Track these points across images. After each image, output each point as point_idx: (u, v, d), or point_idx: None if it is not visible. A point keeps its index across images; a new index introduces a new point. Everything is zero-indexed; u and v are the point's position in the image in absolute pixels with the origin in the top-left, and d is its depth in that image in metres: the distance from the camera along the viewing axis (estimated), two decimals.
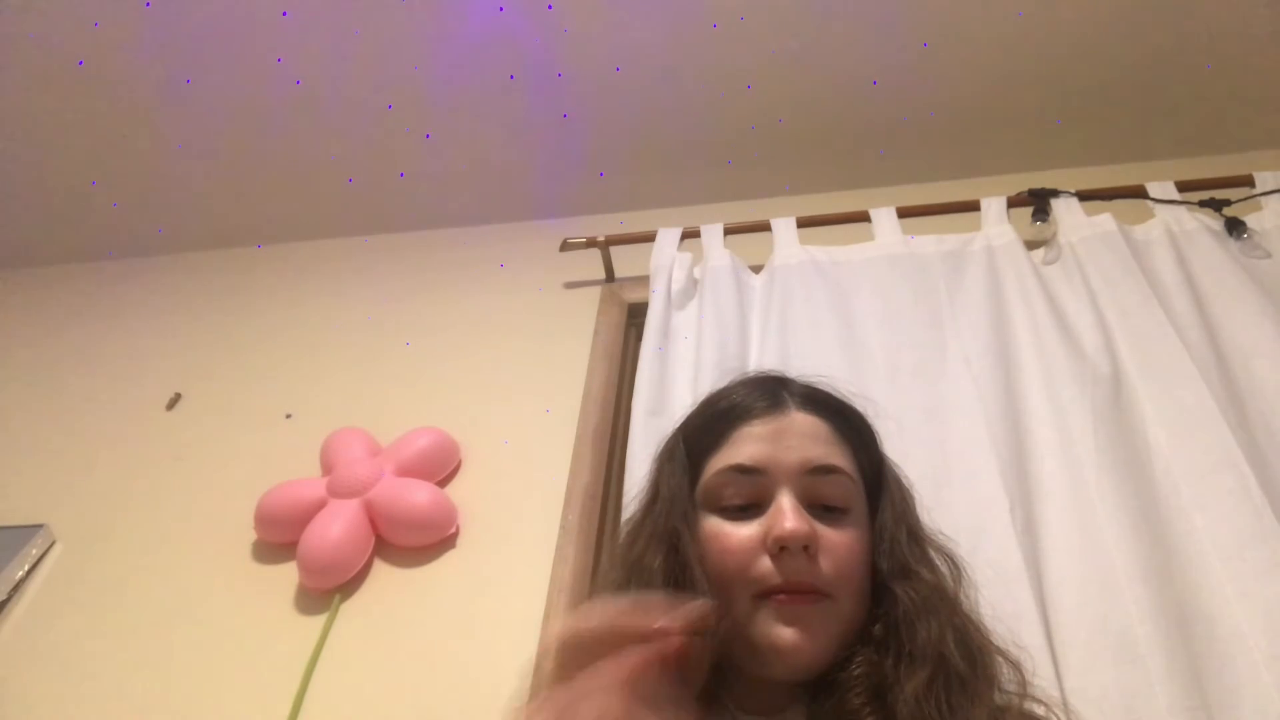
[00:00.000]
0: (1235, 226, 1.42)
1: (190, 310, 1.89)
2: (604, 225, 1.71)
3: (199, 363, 1.75)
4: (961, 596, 0.76)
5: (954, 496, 1.12)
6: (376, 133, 1.82)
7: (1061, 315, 1.32)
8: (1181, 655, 0.95)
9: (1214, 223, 1.44)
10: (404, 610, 1.25)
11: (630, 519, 0.84)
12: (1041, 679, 0.92)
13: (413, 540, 1.31)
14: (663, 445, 0.86)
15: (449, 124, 1.80)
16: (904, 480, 0.84)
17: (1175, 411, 1.13)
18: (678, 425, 0.86)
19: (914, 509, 0.83)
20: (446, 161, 1.87)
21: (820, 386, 0.83)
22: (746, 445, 0.75)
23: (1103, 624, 0.98)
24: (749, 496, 0.73)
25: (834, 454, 0.76)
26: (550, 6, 1.61)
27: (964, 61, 1.67)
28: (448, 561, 1.31)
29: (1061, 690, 0.93)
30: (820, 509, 0.73)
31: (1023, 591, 1.01)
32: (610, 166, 1.86)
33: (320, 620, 1.24)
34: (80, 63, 1.69)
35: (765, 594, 0.69)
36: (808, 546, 0.69)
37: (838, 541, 0.72)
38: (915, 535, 0.79)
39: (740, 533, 0.71)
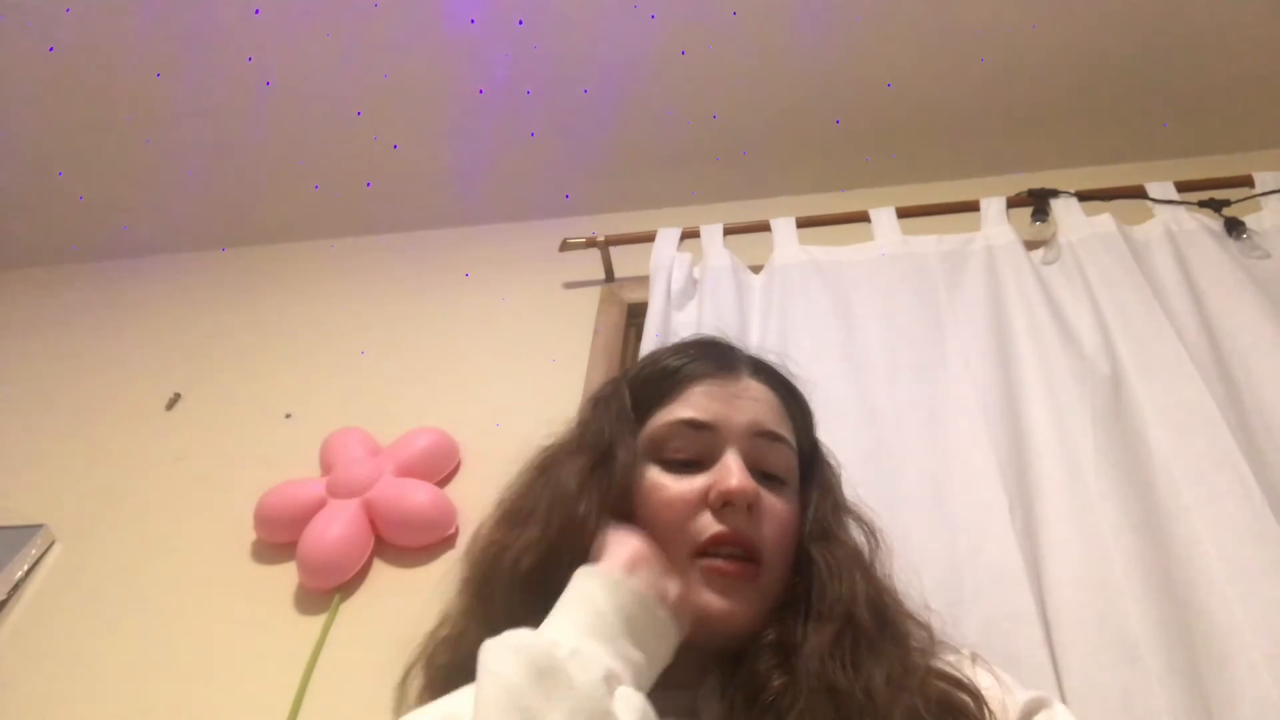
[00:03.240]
0: (1235, 227, 1.42)
1: (190, 310, 1.89)
2: (603, 225, 1.71)
3: (199, 363, 1.75)
4: (877, 563, 0.77)
5: (954, 496, 1.12)
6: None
7: (1061, 315, 1.32)
8: (1181, 655, 0.95)
9: (1213, 223, 1.44)
10: (404, 610, 1.25)
11: (547, 453, 0.83)
12: (1040, 679, 0.93)
13: (412, 540, 1.31)
14: (596, 393, 0.85)
15: (435, 127, 1.80)
16: (833, 461, 0.85)
17: (1175, 411, 1.13)
18: (617, 378, 0.86)
19: (840, 485, 0.84)
20: (441, 162, 1.87)
21: (768, 360, 0.84)
22: (697, 400, 0.75)
23: (1103, 624, 0.98)
24: (694, 452, 0.73)
25: (781, 424, 0.78)
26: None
27: (964, 62, 1.67)
28: (447, 562, 1.30)
29: (1061, 690, 0.94)
30: (761, 476, 0.73)
31: (1022, 592, 1.01)
32: (609, 167, 1.86)
33: (320, 620, 1.24)
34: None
35: (702, 551, 0.69)
36: (751, 506, 0.70)
37: (778, 509, 0.73)
38: (839, 506, 0.81)
39: (681, 485, 0.71)
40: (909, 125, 1.76)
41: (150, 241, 2.03)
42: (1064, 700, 0.92)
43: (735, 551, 0.69)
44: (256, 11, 1.61)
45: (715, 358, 0.81)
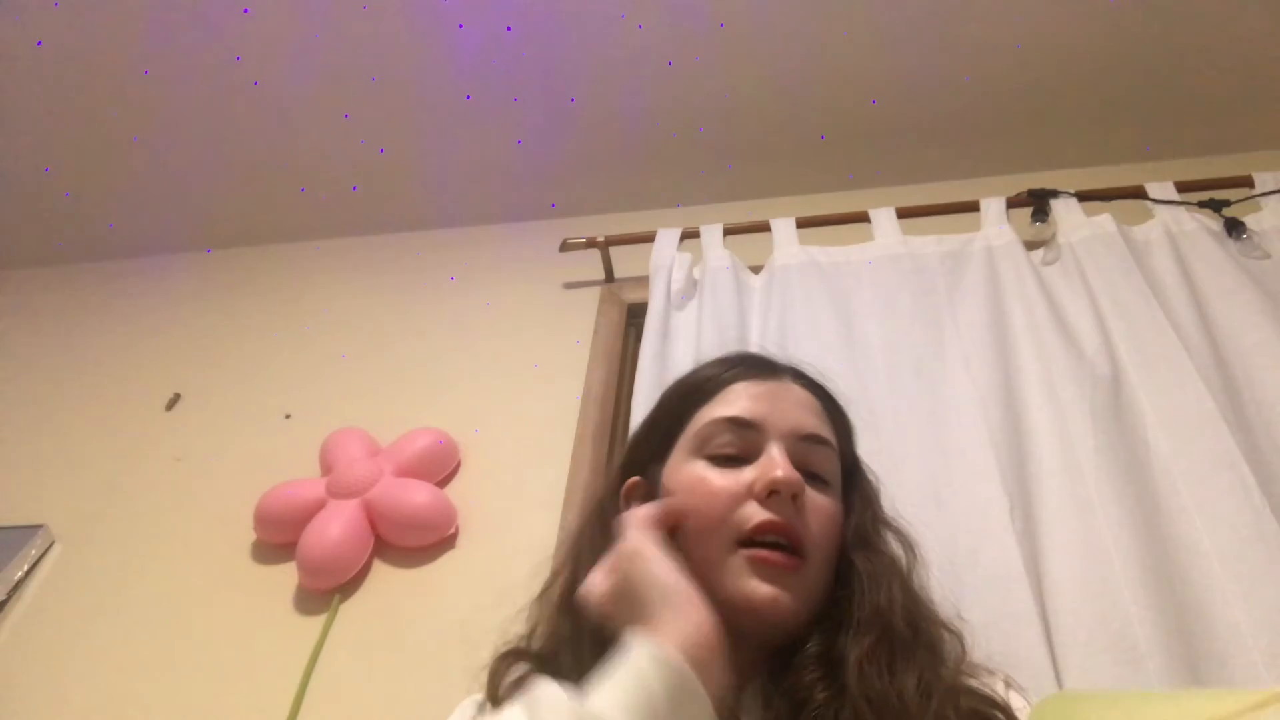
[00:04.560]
0: (1234, 227, 1.42)
1: (189, 310, 1.89)
2: (603, 225, 1.71)
3: (199, 363, 1.75)
4: (914, 576, 0.78)
5: (954, 496, 1.13)
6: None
7: (1061, 316, 1.32)
8: (1181, 655, 0.95)
9: (1213, 223, 1.44)
10: (403, 610, 1.25)
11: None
12: (1040, 679, 0.93)
13: (412, 540, 1.31)
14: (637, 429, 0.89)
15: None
16: (872, 477, 0.86)
17: (1175, 412, 1.13)
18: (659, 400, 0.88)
19: (879, 499, 0.85)
20: (430, 165, 1.87)
21: (811, 372, 0.86)
22: (741, 400, 0.77)
23: (1103, 624, 0.98)
24: (739, 449, 0.74)
25: (823, 427, 0.79)
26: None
27: (964, 63, 1.67)
28: (447, 562, 1.31)
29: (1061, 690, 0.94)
30: (805, 475, 0.74)
31: (1022, 592, 1.01)
32: (609, 166, 1.86)
33: (320, 620, 1.24)
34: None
35: (746, 540, 0.70)
36: (796, 496, 0.71)
37: (821, 504, 0.74)
38: (878, 518, 0.82)
39: (727, 479, 0.73)
40: (909, 125, 1.76)
41: (136, 241, 2.03)
42: None
43: (780, 541, 0.70)
44: (245, 10, 1.61)
45: (757, 364, 0.83)
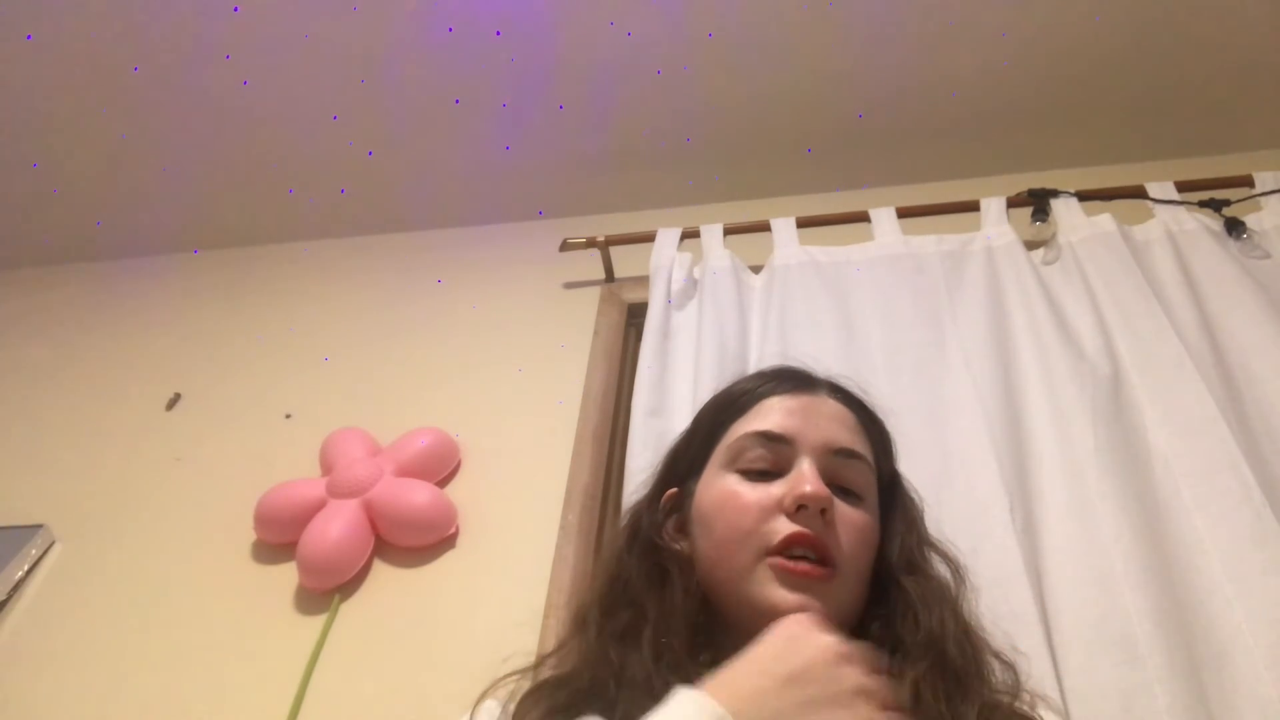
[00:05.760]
0: (1235, 227, 1.42)
1: (189, 310, 1.89)
2: (603, 225, 1.71)
3: (199, 363, 1.75)
4: (962, 600, 0.77)
5: (954, 496, 1.12)
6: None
7: (1061, 315, 1.32)
8: (1181, 655, 0.95)
9: (1213, 223, 1.44)
10: (404, 610, 1.25)
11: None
12: (1040, 679, 0.93)
13: (412, 540, 1.31)
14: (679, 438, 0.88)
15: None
16: (915, 496, 0.86)
17: (1175, 412, 1.13)
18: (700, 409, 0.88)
19: (922, 518, 0.84)
20: (426, 166, 1.87)
21: (849, 386, 0.86)
22: (774, 414, 0.77)
23: (1103, 624, 0.98)
24: (771, 463, 0.74)
25: (858, 442, 0.78)
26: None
27: (964, 62, 1.67)
28: (447, 562, 1.31)
29: (1061, 690, 0.94)
30: (838, 490, 0.73)
31: (1022, 592, 1.01)
32: (602, 171, 1.86)
33: (320, 620, 1.24)
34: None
35: (772, 552, 0.69)
36: (825, 510, 0.70)
37: (853, 518, 0.73)
38: (923, 539, 0.81)
39: (757, 492, 0.72)
40: (908, 126, 1.76)
41: (125, 240, 2.02)
42: (1064, 700, 0.93)
43: (807, 554, 0.69)
44: (235, 9, 1.60)
45: (792, 377, 0.83)
